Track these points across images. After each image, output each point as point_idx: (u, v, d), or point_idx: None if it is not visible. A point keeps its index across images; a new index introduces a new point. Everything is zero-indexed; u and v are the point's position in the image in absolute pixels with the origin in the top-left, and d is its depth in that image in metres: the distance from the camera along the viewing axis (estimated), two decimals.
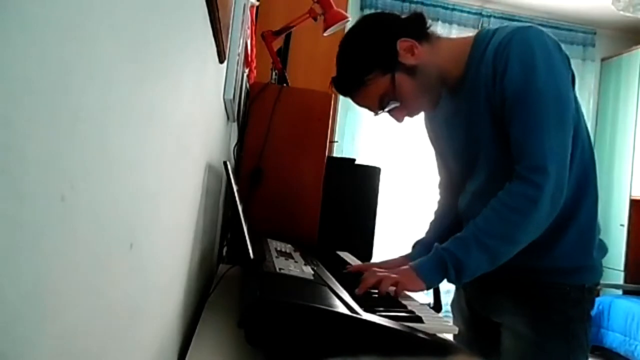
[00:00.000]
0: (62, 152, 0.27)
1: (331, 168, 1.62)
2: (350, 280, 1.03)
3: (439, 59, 1.06)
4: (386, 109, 1.06)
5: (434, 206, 1.34)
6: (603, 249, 1.09)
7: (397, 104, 1.05)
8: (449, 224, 1.25)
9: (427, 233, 1.29)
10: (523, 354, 1.06)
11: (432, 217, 1.33)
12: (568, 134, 0.96)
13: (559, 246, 1.03)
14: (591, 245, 1.06)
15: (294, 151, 1.58)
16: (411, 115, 1.10)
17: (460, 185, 1.18)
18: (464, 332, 1.18)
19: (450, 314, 1.30)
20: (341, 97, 3.27)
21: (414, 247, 1.27)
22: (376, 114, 1.10)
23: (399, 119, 1.09)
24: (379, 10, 4.70)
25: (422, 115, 1.26)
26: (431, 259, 1.00)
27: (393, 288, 0.97)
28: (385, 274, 0.98)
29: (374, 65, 1.04)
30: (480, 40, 1.04)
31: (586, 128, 1.05)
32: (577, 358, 1.05)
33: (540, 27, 1.00)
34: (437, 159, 1.29)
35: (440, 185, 1.33)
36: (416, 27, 1.06)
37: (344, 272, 1.15)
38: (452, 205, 1.24)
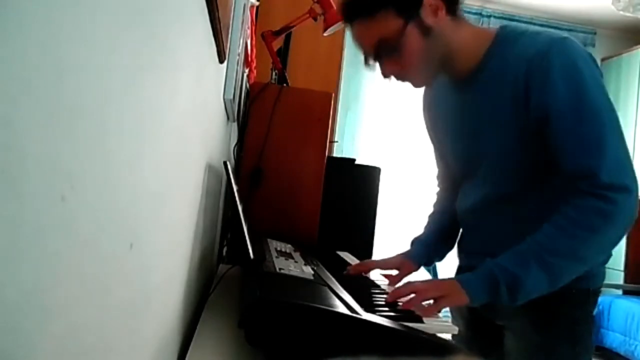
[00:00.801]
0: (62, 152, 0.27)
1: (331, 168, 1.62)
2: (351, 281, 1.03)
3: (454, 39, 0.99)
4: (380, 54, 0.98)
5: (433, 198, 1.32)
6: (609, 254, 1.07)
7: (391, 56, 0.97)
8: (448, 219, 1.24)
9: (426, 228, 1.27)
10: (529, 357, 1.05)
11: (431, 209, 1.30)
12: (627, 146, 0.92)
13: None
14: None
15: (294, 151, 1.58)
16: (400, 76, 1.00)
17: (459, 179, 1.16)
18: (464, 332, 1.17)
19: (449, 314, 1.30)
20: (341, 97, 3.29)
21: (412, 244, 1.25)
22: (366, 60, 1.01)
23: (386, 73, 1.00)
24: None
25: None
26: (481, 273, 0.92)
27: (430, 302, 0.90)
28: (424, 287, 0.92)
29: (393, 1, 0.95)
30: (503, 39, 0.99)
31: None
32: None
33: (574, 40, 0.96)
34: (435, 152, 1.25)
35: (439, 177, 1.31)
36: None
37: (344, 273, 1.15)
38: (451, 199, 1.22)
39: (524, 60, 0.93)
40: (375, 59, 1.00)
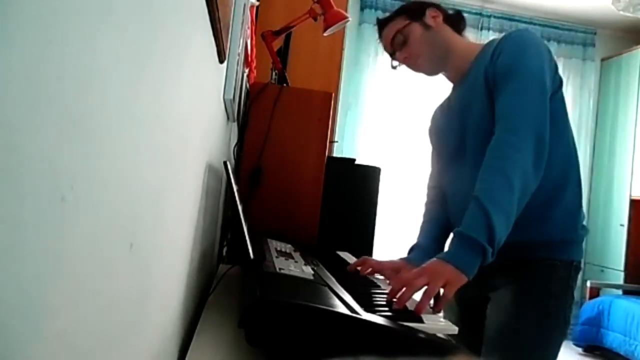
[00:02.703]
0: (62, 152, 0.27)
1: (331, 168, 1.62)
2: (351, 280, 1.03)
3: (452, 40, 1.27)
4: (395, 47, 1.29)
5: (422, 209, 1.37)
6: (585, 229, 1.20)
7: (403, 46, 1.27)
8: (440, 226, 1.29)
9: (421, 237, 1.30)
10: (502, 326, 1.12)
11: (422, 219, 1.34)
12: (545, 107, 1.07)
13: (546, 222, 1.13)
14: (577, 222, 1.17)
15: (294, 151, 1.58)
16: (410, 62, 1.28)
17: (447, 166, 1.29)
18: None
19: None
20: (341, 97, 3.29)
21: (411, 251, 1.27)
22: (389, 52, 1.32)
23: (400, 59, 1.30)
24: (379, 11, 4.70)
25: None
26: (462, 245, 0.96)
27: (440, 290, 0.92)
28: (425, 279, 0.91)
29: (405, 12, 1.31)
30: (488, 44, 1.22)
31: (569, 127, 1.19)
32: (551, 334, 1.10)
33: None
34: (432, 154, 1.39)
35: (431, 176, 1.38)
36: (452, 16, 1.32)
37: (347, 268, 1.16)
38: (440, 202, 1.30)
39: (492, 48, 1.17)
40: (394, 51, 1.30)
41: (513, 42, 1.14)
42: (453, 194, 1.24)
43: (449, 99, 1.34)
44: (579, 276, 1.18)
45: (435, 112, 1.40)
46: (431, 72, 1.30)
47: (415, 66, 1.29)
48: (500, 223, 0.96)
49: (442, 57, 1.27)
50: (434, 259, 0.98)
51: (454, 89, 1.31)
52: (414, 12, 1.31)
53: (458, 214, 1.19)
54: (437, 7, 1.32)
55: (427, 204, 1.37)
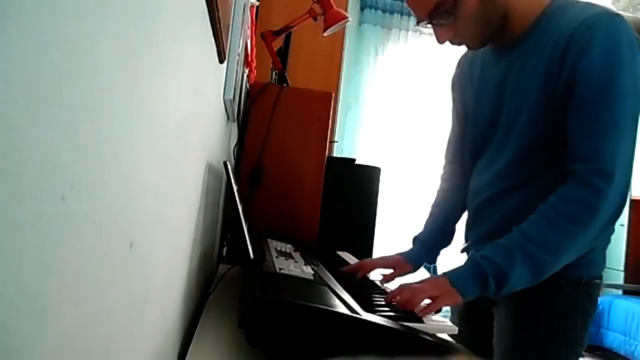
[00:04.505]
0: (62, 152, 0.27)
1: (331, 168, 1.62)
2: (351, 281, 1.03)
3: (511, 3, 0.98)
4: (435, 21, 0.97)
5: (437, 185, 1.28)
6: (606, 246, 1.04)
7: (448, 21, 0.96)
8: (450, 214, 1.23)
9: (428, 225, 1.24)
10: (505, 349, 1.04)
11: (434, 198, 1.27)
12: (636, 141, 0.90)
13: None
14: (595, 245, 0.99)
15: (293, 151, 1.58)
16: (454, 40, 1.00)
17: (471, 154, 1.13)
18: (461, 329, 1.17)
19: (449, 313, 1.30)
20: (341, 97, 3.29)
21: (413, 242, 1.24)
22: (421, 21, 1.00)
23: (441, 39, 0.99)
24: (379, 11, 4.70)
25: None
26: (469, 268, 0.91)
27: (428, 301, 0.89)
28: (419, 287, 0.91)
29: None
30: (553, 10, 0.97)
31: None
32: (558, 357, 1.00)
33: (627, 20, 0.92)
34: (453, 114, 1.22)
35: (448, 150, 1.26)
36: None
37: (340, 270, 1.14)
38: (456, 182, 1.21)
39: (568, 29, 0.91)
40: (429, 23, 0.98)
41: (604, 43, 0.87)
42: (472, 187, 1.13)
43: (482, 59, 1.10)
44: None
45: (464, 60, 1.18)
46: (479, 47, 1.04)
47: (460, 42, 1.01)
48: (521, 271, 0.87)
49: (496, 26, 0.99)
50: (441, 274, 0.95)
51: (493, 50, 1.06)
52: None
53: (473, 210, 1.13)
54: None
55: (441, 181, 1.27)
